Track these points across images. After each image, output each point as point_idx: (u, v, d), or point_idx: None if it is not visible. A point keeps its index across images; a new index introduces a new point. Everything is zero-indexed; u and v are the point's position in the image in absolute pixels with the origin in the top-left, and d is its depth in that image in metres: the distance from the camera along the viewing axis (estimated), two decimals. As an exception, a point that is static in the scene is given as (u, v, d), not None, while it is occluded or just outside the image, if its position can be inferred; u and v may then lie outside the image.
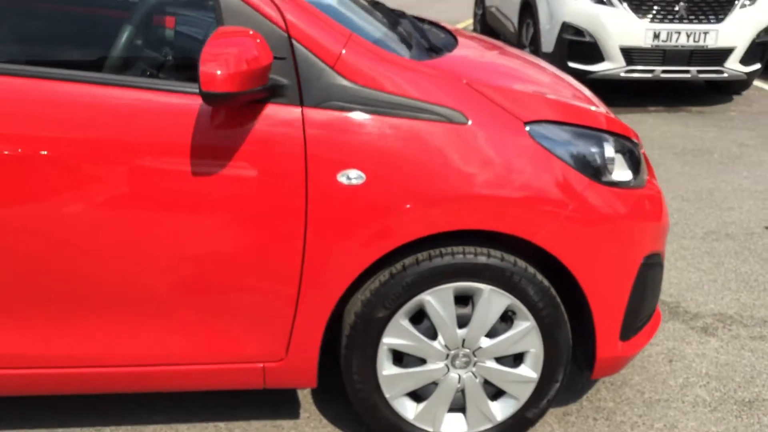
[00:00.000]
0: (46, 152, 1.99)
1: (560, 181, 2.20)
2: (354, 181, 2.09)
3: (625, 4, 6.63)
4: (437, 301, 2.24)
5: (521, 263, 2.25)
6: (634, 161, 2.41)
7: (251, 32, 1.98)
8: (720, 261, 3.84)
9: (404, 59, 2.25)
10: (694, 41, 6.65)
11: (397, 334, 2.28)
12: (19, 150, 1.98)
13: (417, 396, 2.39)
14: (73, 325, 2.14)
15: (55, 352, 2.17)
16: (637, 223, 2.34)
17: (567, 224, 2.20)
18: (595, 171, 2.27)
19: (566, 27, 6.81)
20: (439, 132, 2.13)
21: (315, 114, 2.08)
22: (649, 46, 6.64)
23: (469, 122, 2.15)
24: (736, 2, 6.72)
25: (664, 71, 6.75)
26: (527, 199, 2.17)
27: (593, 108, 2.51)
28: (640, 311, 2.43)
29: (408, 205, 2.11)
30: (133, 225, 2.07)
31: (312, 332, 2.24)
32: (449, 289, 2.24)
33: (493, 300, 2.26)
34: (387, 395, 2.34)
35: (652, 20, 6.62)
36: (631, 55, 6.68)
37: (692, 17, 6.64)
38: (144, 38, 2.39)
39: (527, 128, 2.20)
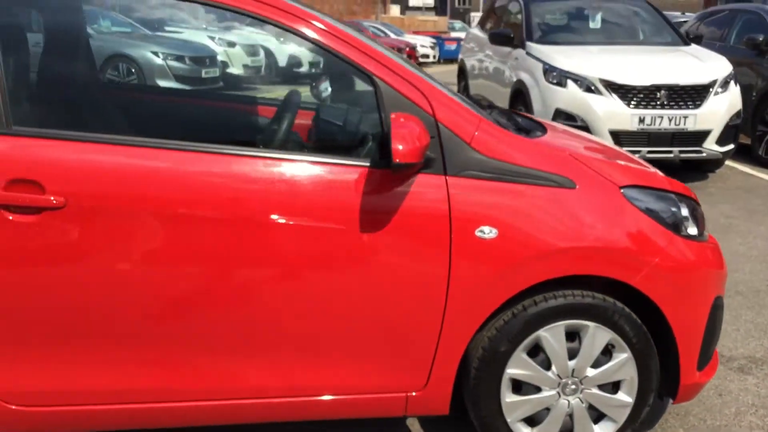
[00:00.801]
0: (254, 213, 2.40)
1: (651, 235, 2.68)
2: (488, 236, 2.54)
3: (613, 94, 7.31)
4: (552, 336, 2.68)
5: (619, 303, 2.71)
6: (697, 218, 2.91)
7: (416, 118, 2.44)
8: (738, 314, 4.35)
9: (521, 137, 2.74)
10: (676, 125, 7.35)
11: (518, 366, 2.70)
12: (234, 210, 2.40)
13: (532, 420, 2.79)
14: (276, 363, 2.53)
15: (259, 383, 2.55)
16: (708, 270, 2.83)
17: (657, 270, 2.67)
18: (675, 226, 2.76)
19: (559, 112, 7.46)
20: (553, 195, 2.60)
21: (456, 181, 2.54)
22: (636, 129, 7.32)
23: (577, 187, 2.64)
24: (711, 90, 7.46)
25: (649, 152, 7.40)
26: (627, 250, 2.64)
27: (659, 174, 3.02)
28: (711, 344, 2.90)
29: (530, 255, 2.56)
30: (307, 275, 2.48)
31: (449, 366, 2.65)
32: (561, 326, 2.68)
33: (597, 335, 2.71)
34: (508, 420, 2.75)
35: (637, 106, 7.31)
36: (619, 137, 7.34)
37: (673, 104, 7.36)
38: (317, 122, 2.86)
39: (621, 191, 2.70)
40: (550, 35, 8.64)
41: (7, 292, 2.35)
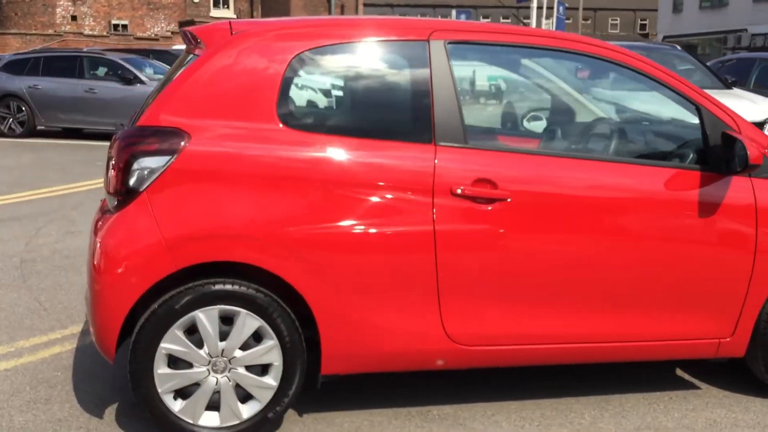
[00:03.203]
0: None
1: None
2: (784, 220, 3.50)
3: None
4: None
5: None
6: None
7: (744, 134, 3.41)
8: None
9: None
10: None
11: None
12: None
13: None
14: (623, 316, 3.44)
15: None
16: None
17: None
18: None
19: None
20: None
21: (757, 180, 3.48)
22: (704, 161, 8.41)
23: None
24: (765, 126, 8.66)
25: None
26: None
27: None
28: None
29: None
30: (666, 251, 3.40)
31: (749, 320, 3.56)
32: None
33: None
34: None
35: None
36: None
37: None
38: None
39: None
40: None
41: (470, 258, 3.23)
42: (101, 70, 14.61)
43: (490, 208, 3.22)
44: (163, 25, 35.95)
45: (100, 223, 3.21)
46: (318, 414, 3.50)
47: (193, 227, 3.03)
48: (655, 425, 3.47)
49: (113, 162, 3.11)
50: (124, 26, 35.07)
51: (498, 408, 3.60)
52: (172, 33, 34.10)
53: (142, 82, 13.98)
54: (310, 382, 3.31)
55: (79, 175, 10.21)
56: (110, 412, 3.50)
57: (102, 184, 10.07)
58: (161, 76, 14.87)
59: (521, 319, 3.35)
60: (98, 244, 3.08)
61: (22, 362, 4.03)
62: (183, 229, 3.02)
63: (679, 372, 4.08)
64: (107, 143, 13.66)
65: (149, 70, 14.93)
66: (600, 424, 3.47)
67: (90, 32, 32.80)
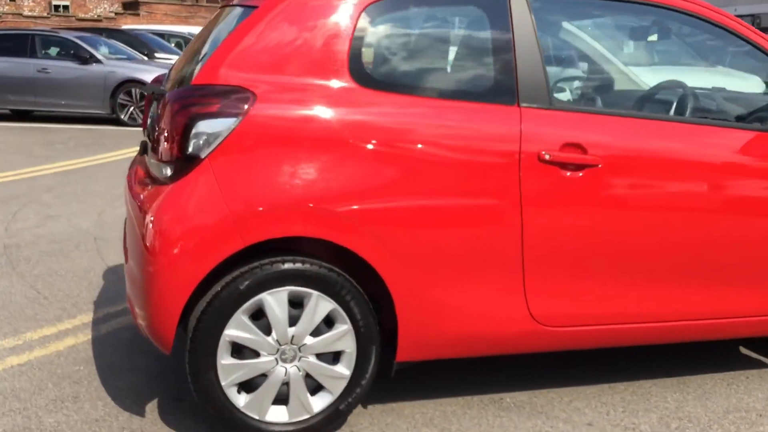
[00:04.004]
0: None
1: None
2: None
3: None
4: None
5: None
6: None
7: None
8: None
9: None
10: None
11: None
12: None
13: None
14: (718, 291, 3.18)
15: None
16: None
17: None
18: None
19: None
20: None
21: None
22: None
23: None
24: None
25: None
26: None
27: None
28: None
29: None
30: (747, 221, 3.16)
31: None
32: None
33: None
34: None
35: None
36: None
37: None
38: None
39: None
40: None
41: (558, 231, 2.93)
42: (54, 50, 13.90)
43: (581, 174, 2.93)
44: (106, 5, 34.75)
45: (147, 195, 2.82)
46: (385, 405, 3.18)
47: (262, 199, 2.67)
48: (743, 407, 3.25)
49: (167, 128, 2.72)
50: (65, 7, 33.78)
51: (574, 394, 3.34)
52: (116, 14, 33.00)
53: (98, 61, 13.33)
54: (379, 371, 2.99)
55: (42, 158, 9.62)
56: (151, 408, 3.12)
57: (68, 167, 9.62)
58: (118, 56, 14.28)
59: (612, 297, 3.07)
60: (151, 220, 2.70)
61: (35, 356, 3.62)
62: (252, 201, 2.66)
63: (744, 350, 3.87)
64: (61, 126, 13.20)
65: (104, 49, 14.25)
66: (687, 408, 3.23)
67: (30, 13, 31.48)
